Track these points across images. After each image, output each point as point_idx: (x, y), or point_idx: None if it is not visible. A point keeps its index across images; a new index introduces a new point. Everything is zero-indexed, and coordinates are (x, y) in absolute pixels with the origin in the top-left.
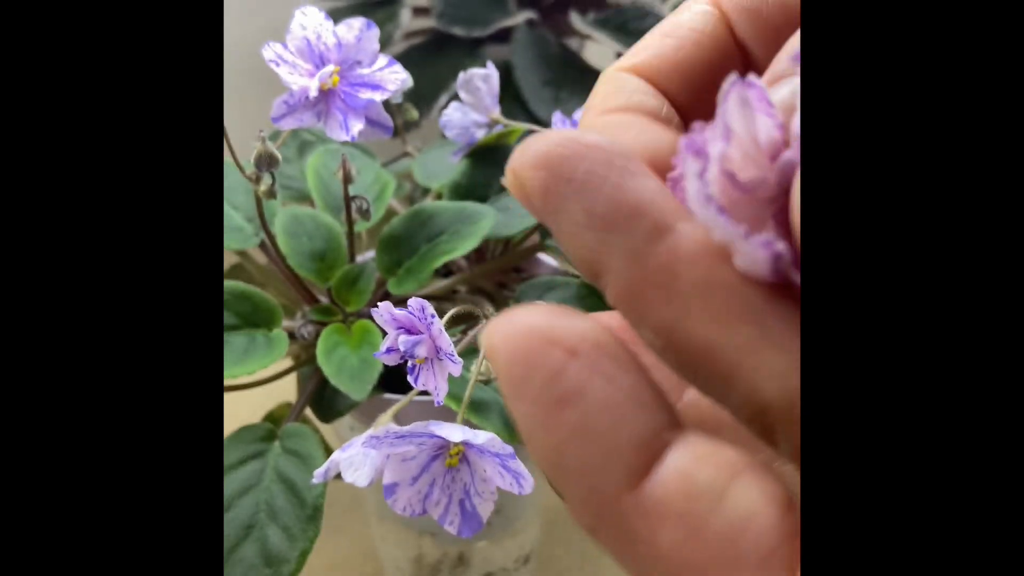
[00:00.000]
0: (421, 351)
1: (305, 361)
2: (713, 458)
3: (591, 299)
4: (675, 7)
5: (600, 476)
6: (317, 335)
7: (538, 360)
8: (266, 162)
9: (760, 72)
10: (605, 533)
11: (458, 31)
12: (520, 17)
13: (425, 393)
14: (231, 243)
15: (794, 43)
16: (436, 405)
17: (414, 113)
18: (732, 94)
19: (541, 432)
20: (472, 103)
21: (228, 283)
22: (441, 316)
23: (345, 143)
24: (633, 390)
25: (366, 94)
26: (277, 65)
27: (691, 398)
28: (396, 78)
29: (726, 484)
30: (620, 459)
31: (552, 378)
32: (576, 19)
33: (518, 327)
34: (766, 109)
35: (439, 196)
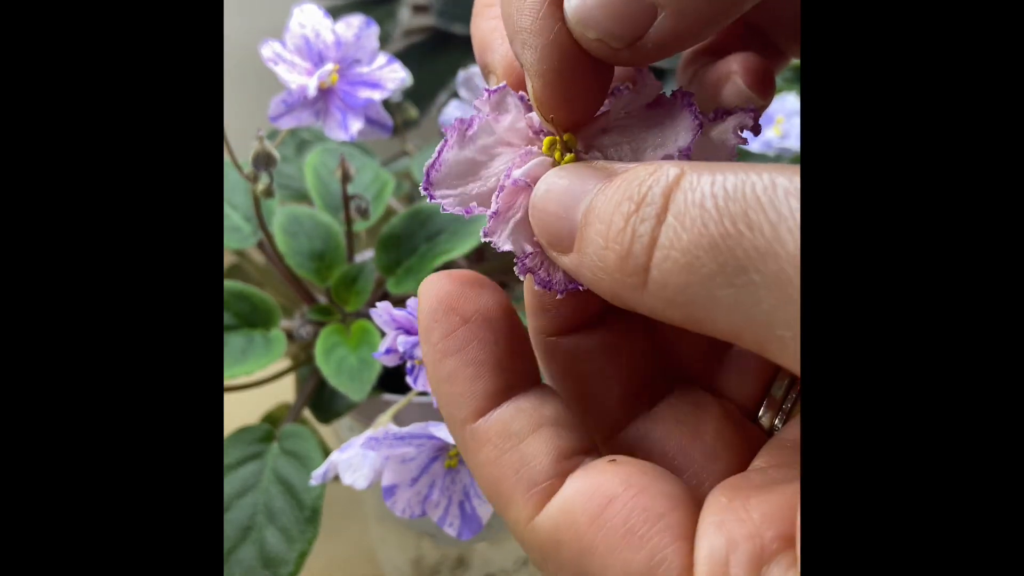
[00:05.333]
0: (420, 352)
1: (304, 361)
2: (529, 413)
3: None
4: None
5: (457, 408)
6: (316, 335)
7: (441, 319)
8: (264, 161)
9: None
10: (460, 448)
11: (458, 29)
12: None
13: (425, 394)
14: (229, 243)
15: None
16: (435, 406)
17: (413, 112)
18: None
19: (430, 369)
20: (472, 101)
21: (226, 283)
22: None
23: (344, 142)
24: (494, 356)
25: (365, 93)
26: (275, 63)
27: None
28: (395, 76)
29: (528, 433)
30: (472, 400)
31: (444, 335)
32: None
33: (437, 289)
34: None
35: None
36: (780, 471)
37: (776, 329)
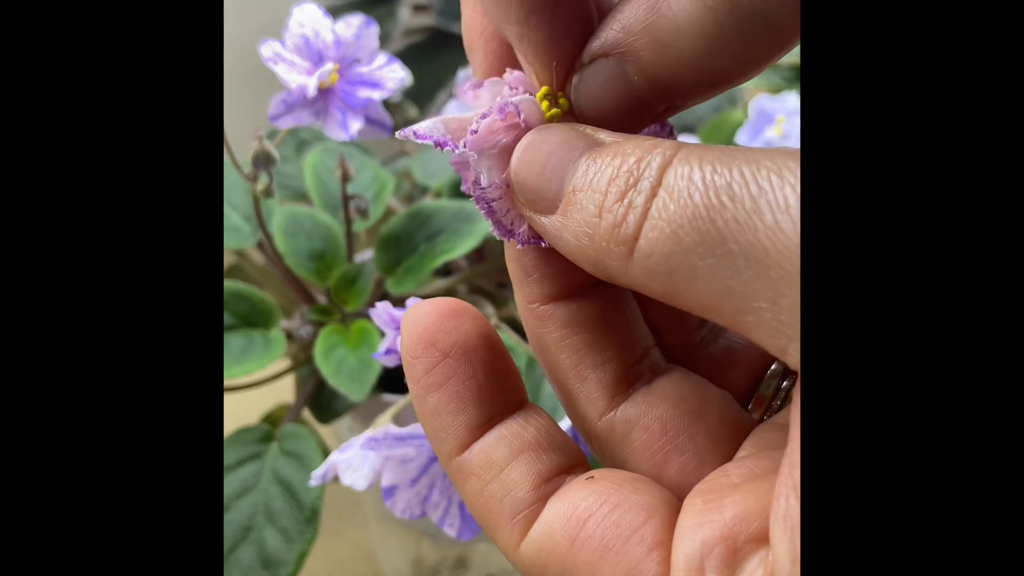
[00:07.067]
0: None
1: (303, 361)
2: (509, 440)
3: None
4: None
5: (442, 443)
6: (315, 335)
7: (421, 355)
8: (264, 161)
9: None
10: (451, 480)
11: (458, 29)
12: None
13: None
14: (229, 243)
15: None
16: None
17: (413, 112)
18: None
19: (416, 404)
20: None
21: (226, 283)
22: None
23: (344, 142)
24: (474, 389)
25: (365, 92)
26: (275, 63)
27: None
28: (395, 76)
29: (509, 461)
30: (455, 434)
31: (426, 371)
32: None
33: (416, 323)
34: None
35: (438, 195)
36: (761, 460)
37: (752, 300)
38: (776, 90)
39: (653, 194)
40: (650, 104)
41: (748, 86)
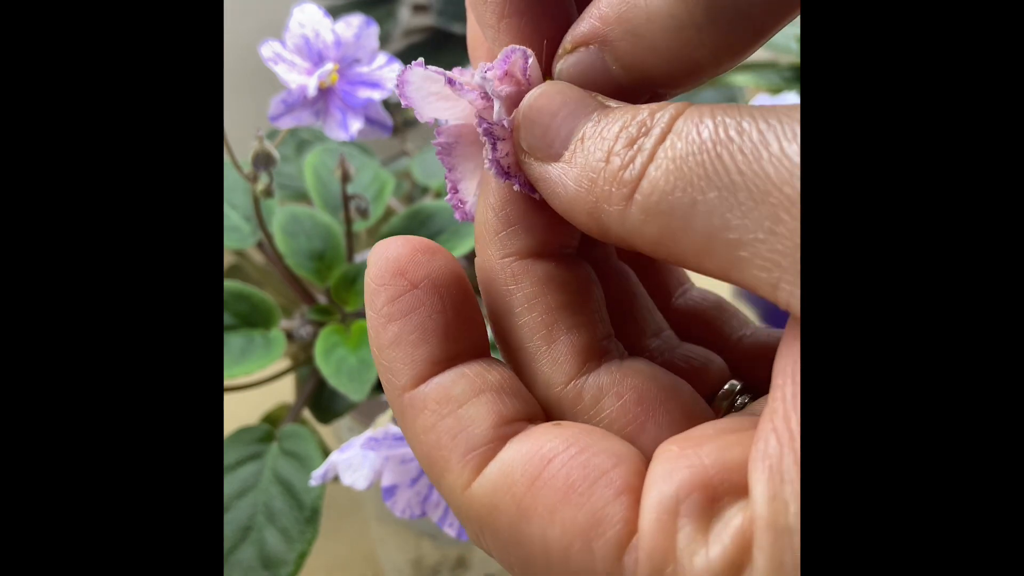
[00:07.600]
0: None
1: (303, 361)
2: (471, 379)
3: None
4: None
5: (396, 375)
6: (315, 335)
7: (388, 283)
8: (264, 161)
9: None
10: (397, 418)
11: (458, 29)
12: None
13: None
14: (229, 243)
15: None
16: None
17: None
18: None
19: (373, 335)
20: None
21: (226, 283)
22: None
23: (344, 142)
24: (441, 323)
25: (365, 92)
26: (275, 63)
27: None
28: (395, 76)
29: (468, 398)
30: (412, 366)
31: (390, 300)
32: None
33: (386, 253)
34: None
35: (438, 195)
36: (738, 419)
37: (749, 232)
38: (776, 90)
39: (663, 139)
40: (632, 93)
41: (748, 86)
